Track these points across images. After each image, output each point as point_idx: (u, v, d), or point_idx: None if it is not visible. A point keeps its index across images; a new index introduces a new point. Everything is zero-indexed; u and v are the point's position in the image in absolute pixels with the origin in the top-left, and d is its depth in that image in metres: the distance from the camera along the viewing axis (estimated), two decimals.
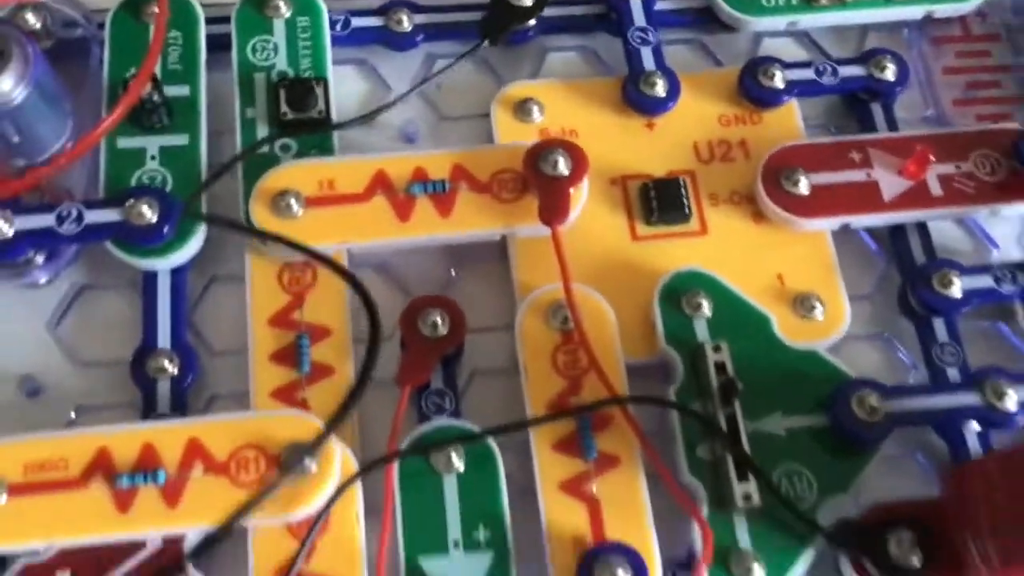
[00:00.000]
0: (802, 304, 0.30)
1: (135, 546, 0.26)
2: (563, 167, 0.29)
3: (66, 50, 0.30)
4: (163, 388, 0.28)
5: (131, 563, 0.26)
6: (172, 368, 0.28)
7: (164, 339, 0.28)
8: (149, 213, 0.27)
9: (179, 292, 0.29)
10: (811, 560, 0.27)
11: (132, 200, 0.27)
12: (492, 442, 0.27)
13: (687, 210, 0.31)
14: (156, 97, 0.28)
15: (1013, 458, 0.25)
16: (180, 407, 0.28)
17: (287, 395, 0.28)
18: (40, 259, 0.28)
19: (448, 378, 0.29)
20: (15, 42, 0.26)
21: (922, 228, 0.32)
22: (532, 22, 0.33)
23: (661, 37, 0.34)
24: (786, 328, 0.29)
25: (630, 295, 0.29)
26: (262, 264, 0.29)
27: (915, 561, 0.26)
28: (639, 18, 0.34)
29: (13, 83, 0.26)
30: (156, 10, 0.30)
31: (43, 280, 0.29)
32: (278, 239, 0.28)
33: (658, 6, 0.35)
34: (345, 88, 0.33)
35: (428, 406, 0.28)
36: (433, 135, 0.33)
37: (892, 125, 0.33)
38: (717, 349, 0.28)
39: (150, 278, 0.29)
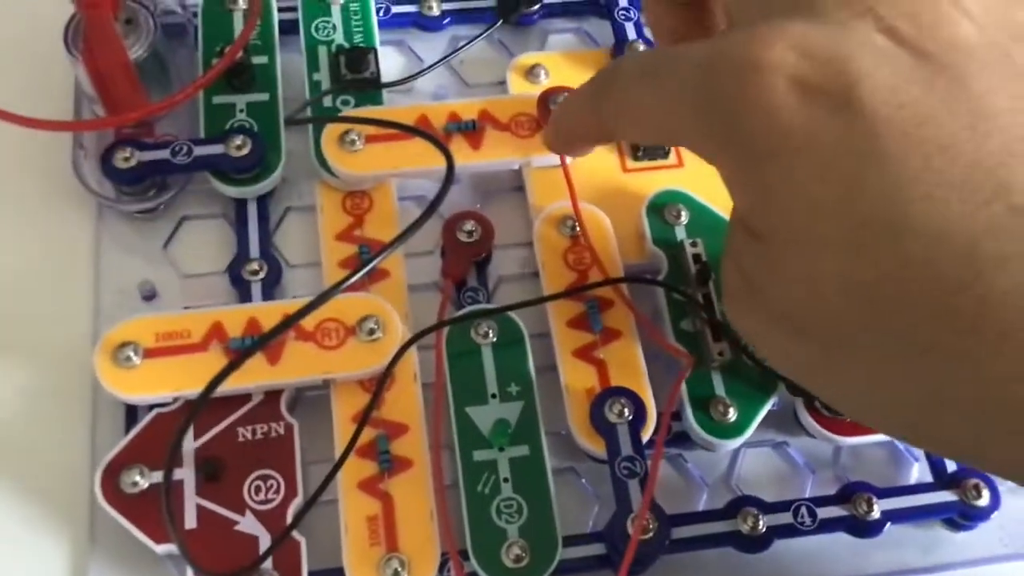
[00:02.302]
0: None
1: (243, 399, 0.32)
2: None
3: (167, 32, 0.37)
4: (256, 289, 0.34)
5: (240, 412, 0.32)
6: (262, 272, 0.34)
7: (254, 251, 0.35)
8: (245, 147, 0.35)
9: (264, 215, 0.36)
10: (773, 404, 0.33)
11: (232, 136, 0.34)
12: (517, 318, 0.34)
13: (666, 148, 0.38)
14: (245, 60, 0.36)
15: None
16: None
17: (353, 290, 0.34)
18: (154, 191, 0.35)
19: (480, 278, 0.36)
20: (142, 14, 0.34)
21: None
22: (537, 6, 0.40)
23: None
24: None
25: (623, 211, 0.36)
26: (330, 193, 0.36)
27: None
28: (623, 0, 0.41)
29: (140, 43, 0.34)
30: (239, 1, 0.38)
31: (155, 206, 0.35)
32: (368, 121, 0.35)
33: None
34: (388, 63, 0.40)
35: (465, 299, 0.35)
36: (459, 99, 0.40)
37: None
38: (694, 244, 0.35)
39: (240, 204, 0.36)
